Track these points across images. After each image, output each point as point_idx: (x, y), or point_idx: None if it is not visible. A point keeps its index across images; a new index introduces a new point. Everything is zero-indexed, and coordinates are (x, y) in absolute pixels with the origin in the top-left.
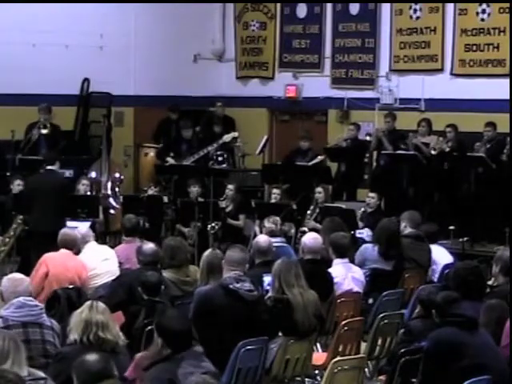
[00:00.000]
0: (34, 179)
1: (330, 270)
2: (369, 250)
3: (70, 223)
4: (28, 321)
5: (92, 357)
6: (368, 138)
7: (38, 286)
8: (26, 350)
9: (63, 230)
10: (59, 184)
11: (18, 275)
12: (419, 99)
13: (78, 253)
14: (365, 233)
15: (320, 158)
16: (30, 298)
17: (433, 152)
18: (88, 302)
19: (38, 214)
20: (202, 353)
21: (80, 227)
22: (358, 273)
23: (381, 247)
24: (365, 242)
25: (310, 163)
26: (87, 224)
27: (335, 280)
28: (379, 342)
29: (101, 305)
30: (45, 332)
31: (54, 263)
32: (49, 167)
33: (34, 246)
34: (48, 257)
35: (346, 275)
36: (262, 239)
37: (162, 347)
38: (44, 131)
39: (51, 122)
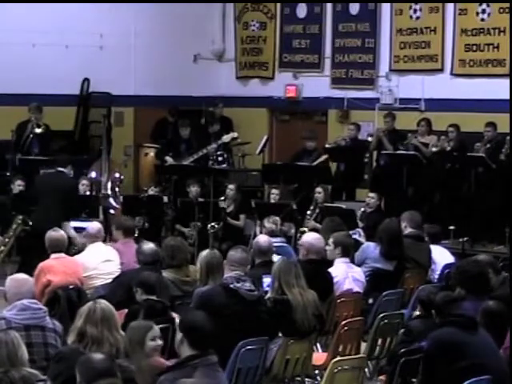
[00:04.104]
0: (43, 179)
1: (330, 269)
2: (370, 248)
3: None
4: (31, 324)
5: (97, 355)
6: (368, 138)
7: (39, 294)
8: (28, 353)
9: (49, 235)
10: (68, 186)
11: (22, 276)
12: (419, 99)
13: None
14: (357, 233)
15: (324, 157)
16: (34, 301)
17: (434, 149)
18: (89, 304)
19: (42, 214)
20: (216, 362)
21: (92, 224)
22: (359, 273)
23: (382, 247)
24: (358, 242)
25: (314, 163)
26: (98, 223)
27: (335, 280)
28: (379, 342)
29: (99, 311)
30: (47, 335)
31: (54, 272)
32: (60, 169)
33: (36, 245)
34: (46, 266)
35: (347, 275)
36: (262, 239)
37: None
38: (38, 130)
39: (42, 121)
